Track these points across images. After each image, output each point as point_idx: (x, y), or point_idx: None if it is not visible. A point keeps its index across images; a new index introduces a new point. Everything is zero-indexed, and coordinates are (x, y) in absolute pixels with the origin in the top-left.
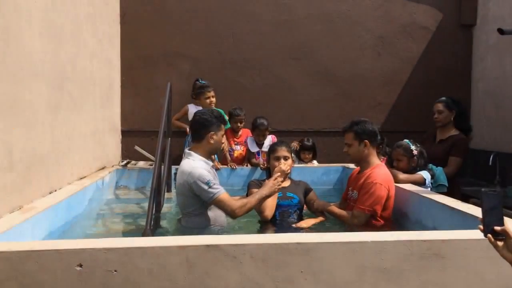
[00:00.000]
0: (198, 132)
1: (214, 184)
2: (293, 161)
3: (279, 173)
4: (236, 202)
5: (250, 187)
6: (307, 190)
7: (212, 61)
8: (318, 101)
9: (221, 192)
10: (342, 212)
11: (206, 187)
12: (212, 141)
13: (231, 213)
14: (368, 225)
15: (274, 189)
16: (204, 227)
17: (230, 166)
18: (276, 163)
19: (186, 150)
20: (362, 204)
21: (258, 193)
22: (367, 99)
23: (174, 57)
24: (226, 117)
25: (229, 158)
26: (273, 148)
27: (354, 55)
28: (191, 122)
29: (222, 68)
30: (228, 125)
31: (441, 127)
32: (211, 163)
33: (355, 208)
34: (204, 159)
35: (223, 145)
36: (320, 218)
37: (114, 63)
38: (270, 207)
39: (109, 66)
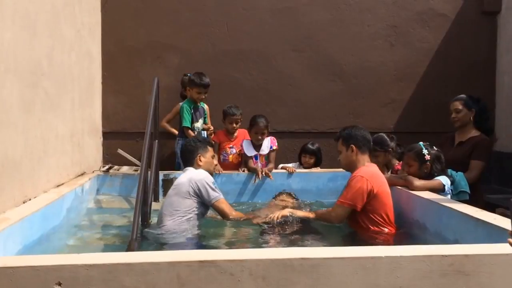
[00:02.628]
0: (188, 159)
1: (217, 188)
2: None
3: (278, 215)
4: (233, 212)
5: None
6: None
7: (204, 53)
8: (323, 98)
9: (221, 197)
10: (322, 211)
11: (211, 187)
12: (201, 163)
13: (226, 215)
14: (374, 233)
15: (268, 220)
16: (187, 233)
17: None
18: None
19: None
20: (342, 198)
21: (254, 217)
22: (379, 96)
23: (162, 49)
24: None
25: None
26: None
27: (363, 46)
28: (180, 153)
29: (215, 62)
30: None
31: (460, 128)
32: (212, 180)
33: (335, 204)
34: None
35: (216, 166)
36: (309, 214)
37: (95, 57)
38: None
39: (89, 60)
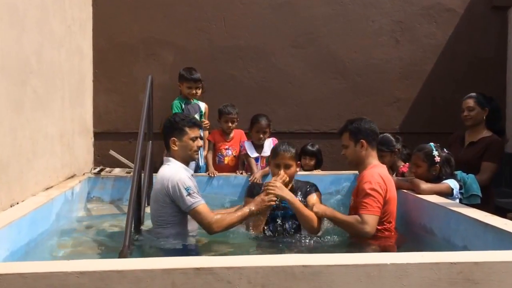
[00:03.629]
0: (165, 143)
1: (193, 193)
2: (299, 168)
3: (271, 187)
4: (214, 216)
5: (246, 193)
6: (307, 193)
7: (200, 50)
8: (325, 97)
9: (199, 203)
10: (348, 218)
11: (185, 193)
12: (175, 147)
13: (208, 228)
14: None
15: (263, 206)
16: (176, 241)
17: (209, 174)
18: (276, 171)
19: (165, 157)
20: (370, 207)
21: (243, 210)
22: (383, 95)
23: (156, 46)
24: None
25: (210, 164)
26: (275, 151)
27: (367, 42)
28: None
29: (212, 58)
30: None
31: (471, 127)
32: (191, 172)
33: (360, 214)
34: (184, 166)
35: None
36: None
37: (86, 53)
38: (256, 226)
39: (80, 57)
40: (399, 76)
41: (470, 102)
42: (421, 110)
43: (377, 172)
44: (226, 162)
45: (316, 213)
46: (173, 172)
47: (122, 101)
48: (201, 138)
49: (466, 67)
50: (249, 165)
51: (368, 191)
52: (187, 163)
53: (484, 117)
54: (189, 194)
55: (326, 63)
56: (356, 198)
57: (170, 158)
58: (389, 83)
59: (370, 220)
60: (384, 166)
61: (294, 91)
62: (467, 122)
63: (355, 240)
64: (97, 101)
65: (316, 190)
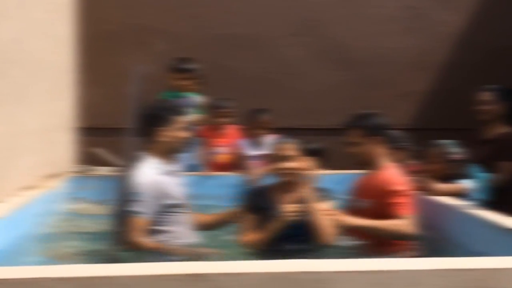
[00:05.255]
0: (145, 129)
1: (142, 202)
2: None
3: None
4: (142, 237)
5: (246, 202)
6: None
7: (194, 38)
8: (329, 90)
9: (139, 216)
10: (385, 224)
11: (135, 198)
12: (160, 138)
13: (129, 239)
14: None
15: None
16: (172, 241)
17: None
18: (273, 167)
19: (138, 153)
20: (403, 210)
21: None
22: (393, 87)
23: (146, 34)
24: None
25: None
26: (271, 145)
27: (376, 30)
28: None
29: (207, 48)
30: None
31: (487, 123)
32: (169, 167)
33: (398, 214)
34: (158, 162)
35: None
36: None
37: (69, 42)
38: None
39: (62, 46)
40: (410, 67)
41: (486, 95)
42: (435, 103)
43: (398, 173)
44: (218, 161)
45: (344, 223)
46: (139, 174)
47: (108, 94)
48: (192, 133)
49: (485, 57)
50: (247, 165)
51: (398, 191)
52: (169, 157)
53: (502, 112)
54: (135, 201)
55: (331, 52)
56: (378, 198)
57: (144, 155)
58: (399, 75)
59: (411, 220)
60: (398, 165)
61: (295, 83)
62: (481, 116)
63: (363, 245)
64: (81, 94)
65: (330, 197)
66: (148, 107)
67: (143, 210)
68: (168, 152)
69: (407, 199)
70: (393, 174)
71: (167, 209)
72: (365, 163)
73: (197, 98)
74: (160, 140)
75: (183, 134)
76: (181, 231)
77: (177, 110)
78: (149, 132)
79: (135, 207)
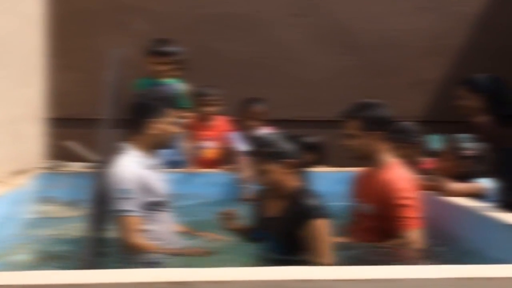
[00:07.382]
0: (134, 120)
1: (131, 199)
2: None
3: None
4: (139, 238)
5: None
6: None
7: (180, 18)
8: (331, 77)
9: (131, 214)
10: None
11: (121, 196)
12: (149, 131)
13: (124, 241)
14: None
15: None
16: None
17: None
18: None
19: (120, 144)
20: (408, 221)
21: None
22: (404, 75)
23: (126, 13)
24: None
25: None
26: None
27: (384, 10)
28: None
29: (194, 29)
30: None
31: (469, 118)
32: (153, 161)
33: (401, 229)
34: (141, 155)
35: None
36: None
37: (39, 22)
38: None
39: (30, 26)
40: (422, 52)
41: (460, 90)
42: (450, 92)
43: (403, 173)
44: (206, 155)
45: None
46: (120, 167)
47: (83, 80)
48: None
49: (505, 41)
50: (237, 161)
51: (408, 200)
52: (153, 151)
53: (479, 106)
54: (124, 198)
55: (333, 35)
56: (381, 202)
57: (127, 146)
58: (411, 61)
59: (418, 236)
60: (403, 163)
61: (293, 69)
62: (462, 112)
63: (366, 251)
64: (52, 81)
65: (321, 215)
66: (139, 95)
67: (134, 208)
68: (153, 146)
69: (413, 204)
70: (397, 174)
71: (149, 206)
72: (363, 158)
73: (177, 86)
74: (148, 132)
75: (174, 128)
76: (163, 231)
77: (171, 102)
78: (137, 122)
79: (124, 206)
